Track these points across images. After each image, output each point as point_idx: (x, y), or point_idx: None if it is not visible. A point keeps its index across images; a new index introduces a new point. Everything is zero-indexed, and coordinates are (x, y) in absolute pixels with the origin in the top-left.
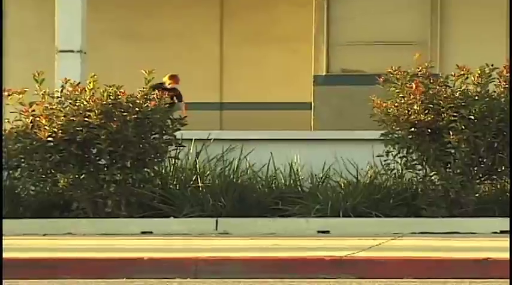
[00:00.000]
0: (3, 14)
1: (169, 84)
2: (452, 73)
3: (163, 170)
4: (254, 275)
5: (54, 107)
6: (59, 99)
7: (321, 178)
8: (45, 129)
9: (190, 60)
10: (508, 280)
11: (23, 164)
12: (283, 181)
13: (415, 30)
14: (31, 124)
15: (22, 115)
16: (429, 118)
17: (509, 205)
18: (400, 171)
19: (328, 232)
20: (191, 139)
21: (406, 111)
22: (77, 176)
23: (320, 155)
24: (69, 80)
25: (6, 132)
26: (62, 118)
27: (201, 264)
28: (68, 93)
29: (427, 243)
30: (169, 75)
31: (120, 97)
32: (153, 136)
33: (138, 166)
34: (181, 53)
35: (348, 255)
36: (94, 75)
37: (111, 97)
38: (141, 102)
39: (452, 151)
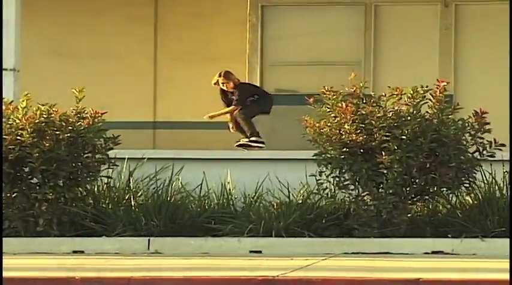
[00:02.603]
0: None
1: (222, 84)
2: (384, 94)
3: (95, 189)
4: None
5: None
6: None
7: (254, 197)
8: None
9: (124, 79)
10: None
11: None
12: (216, 200)
13: (349, 50)
14: None
15: None
16: (361, 138)
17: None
18: (333, 191)
19: (260, 251)
20: (124, 158)
21: (338, 131)
22: (8, 194)
23: (253, 174)
24: (2, 98)
25: None
26: None
27: (133, 283)
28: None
29: (359, 263)
30: (220, 73)
31: (53, 115)
32: (86, 155)
33: (71, 184)
34: (115, 71)
35: (280, 275)
36: (27, 94)
37: (44, 115)
38: (74, 120)
39: (385, 171)
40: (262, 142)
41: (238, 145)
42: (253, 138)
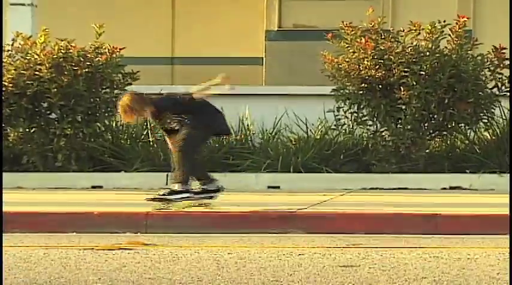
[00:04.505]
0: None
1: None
2: (402, 29)
3: (114, 125)
4: (204, 229)
5: (4, 60)
6: (10, 52)
7: (272, 133)
8: None
9: (142, 15)
10: (457, 236)
11: None
12: (234, 136)
13: None
14: None
15: None
16: (380, 74)
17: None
18: (351, 127)
19: (278, 187)
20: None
21: (357, 67)
22: (27, 130)
23: (271, 110)
24: (20, 33)
25: None
26: (13, 71)
27: (151, 218)
28: (19, 46)
29: (377, 198)
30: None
31: (71, 51)
32: (104, 90)
33: (89, 120)
34: (134, 7)
35: (298, 210)
36: (46, 29)
37: (62, 51)
38: (92, 56)
39: (403, 107)
40: (187, 191)
41: (152, 199)
42: (178, 187)
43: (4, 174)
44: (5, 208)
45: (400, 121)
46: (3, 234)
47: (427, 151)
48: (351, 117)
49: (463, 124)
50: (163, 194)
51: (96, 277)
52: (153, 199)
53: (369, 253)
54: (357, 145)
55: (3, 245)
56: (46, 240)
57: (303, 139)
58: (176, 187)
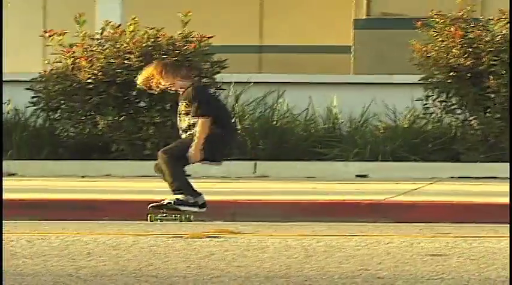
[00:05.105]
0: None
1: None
2: (491, 17)
3: None
4: (292, 218)
5: (94, 49)
6: (99, 41)
7: (360, 122)
8: (85, 70)
9: (229, 3)
10: None
11: (62, 106)
12: (322, 124)
13: None
14: (71, 65)
15: (62, 57)
16: (469, 62)
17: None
18: (439, 115)
19: (366, 175)
20: (230, 82)
21: (446, 55)
22: (116, 118)
23: (359, 99)
24: (109, 22)
25: (47, 73)
26: (102, 60)
27: (239, 207)
28: (108, 35)
29: (465, 188)
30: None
31: (160, 39)
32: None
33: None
34: None
35: (386, 199)
36: (135, 18)
37: (151, 39)
38: (180, 44)
39: (492, 95)
40: (194, 205)
41: (152, 207)
42: (179, 196)
43: (93, 162)
44: (95, 196)
45: (489, 110)
46: (95, 221)
47: None
48: (440, 105)
49: None
50: (169, 203)
51: (185, 265)
52: (157, 206)
53: (458, 242)
54: (445, 134)
55: (96, 232)
56: (135, 227)
57: (391, 127)
58: (181, 197)
